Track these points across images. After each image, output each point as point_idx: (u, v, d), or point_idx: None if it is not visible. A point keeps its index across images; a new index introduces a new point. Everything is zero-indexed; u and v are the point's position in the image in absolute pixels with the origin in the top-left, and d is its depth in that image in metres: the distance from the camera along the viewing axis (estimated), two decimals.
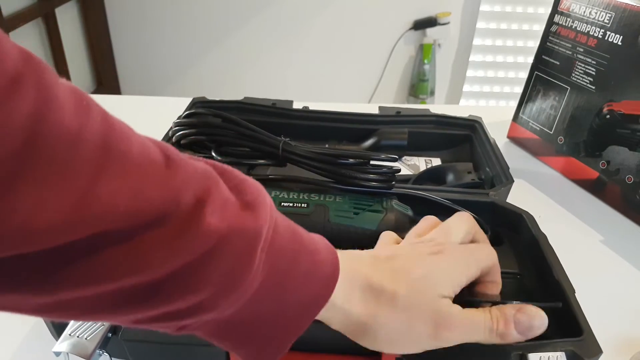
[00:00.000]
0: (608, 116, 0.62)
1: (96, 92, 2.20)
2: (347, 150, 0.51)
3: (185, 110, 0.65)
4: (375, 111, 0.70)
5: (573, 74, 0.67)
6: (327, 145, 0.66)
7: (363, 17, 2.17)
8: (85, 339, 0.32)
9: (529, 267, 0.45)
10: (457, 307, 0.31)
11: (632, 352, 0.41)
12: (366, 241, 0.42)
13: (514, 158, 0.74)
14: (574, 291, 0.39)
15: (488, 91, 2.35)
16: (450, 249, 0.34)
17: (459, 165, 0.61)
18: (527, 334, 0.32)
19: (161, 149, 0.23)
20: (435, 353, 0.31)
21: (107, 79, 2.25)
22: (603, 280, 0.51)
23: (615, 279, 0.52)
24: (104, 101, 0.23)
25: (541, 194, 0.66)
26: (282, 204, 0.45)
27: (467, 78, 2.31)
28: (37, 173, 0.17)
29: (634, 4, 0.59)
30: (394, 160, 0.48)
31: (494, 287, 0.37)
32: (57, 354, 0.32)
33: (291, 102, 0.71)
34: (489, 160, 0.60)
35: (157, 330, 0.27)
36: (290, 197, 0.45)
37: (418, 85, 2.29)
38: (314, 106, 0.71)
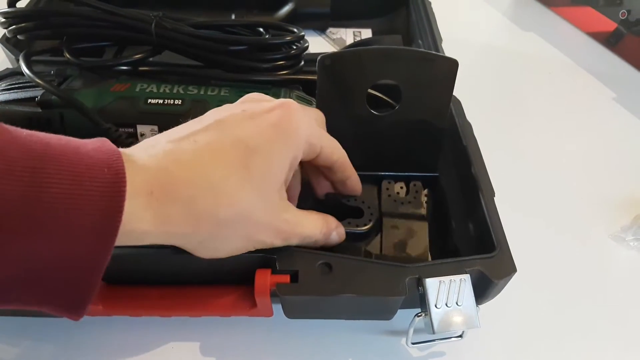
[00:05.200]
0: None
1: None
2: (242, 29, 0.40)
3: None
4: None
5: None
6: (233, 16, 0.55)
7: None
8: None
9: (449, 165, 0.38)
10: (291, 213, 0.28)
11: (635, 212, 0.42)
12: None
13: (524, 8, 0.69)
14: (493, 194, 0.33)
15: None
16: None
17: (386, 40, 0.50)
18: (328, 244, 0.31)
19: None
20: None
21: None
22: (613, 138, 0.50)
23: (625, 136, 0.51)
24: None
25: (552, 47, 0.62)
26: (149, 100, 0.35)
27: None
28: None
29: None
30: (300, 37, 0.39)
31: (350, 184, 0.32)
32: None
33: None
34: (423, 31, 0.50)
35: None
36: (161, 91, 0.36)
37: None
38: None
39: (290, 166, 0.27)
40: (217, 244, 0.25)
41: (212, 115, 0.27)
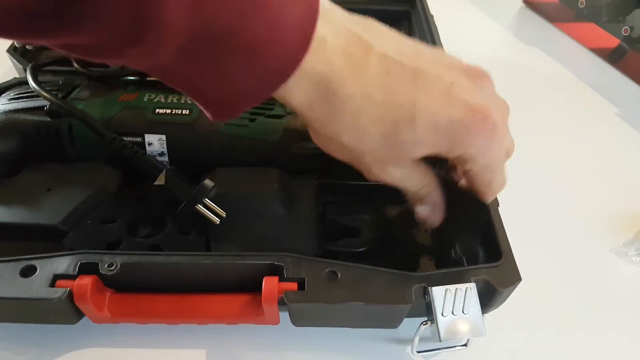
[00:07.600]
0: None
1: None
2: None
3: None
4: None
5: None
6: None
7: None
8: None
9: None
10: (400, 170, 0.28)
11: (638, 227, 0.42)
12: (267, 156, 0.35)
13: (528, 23, 0.70)
14: (497, 204, 0.33)
15: None
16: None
17: None
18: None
19: None
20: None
21: None
22: (615, 153, 0.50)
23: (628, 151, 0.51)
24: None
25: (555, 63, 0.63)
26: (157, 110, 0.36)
27: None
28: None
29: None
30: None
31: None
32: None
33: None
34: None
35: None
36: (169, 101, 0.36)
37: None
38: None
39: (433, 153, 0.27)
40: (325, 145, 0.28)
41: (434, 59, 0.27)
